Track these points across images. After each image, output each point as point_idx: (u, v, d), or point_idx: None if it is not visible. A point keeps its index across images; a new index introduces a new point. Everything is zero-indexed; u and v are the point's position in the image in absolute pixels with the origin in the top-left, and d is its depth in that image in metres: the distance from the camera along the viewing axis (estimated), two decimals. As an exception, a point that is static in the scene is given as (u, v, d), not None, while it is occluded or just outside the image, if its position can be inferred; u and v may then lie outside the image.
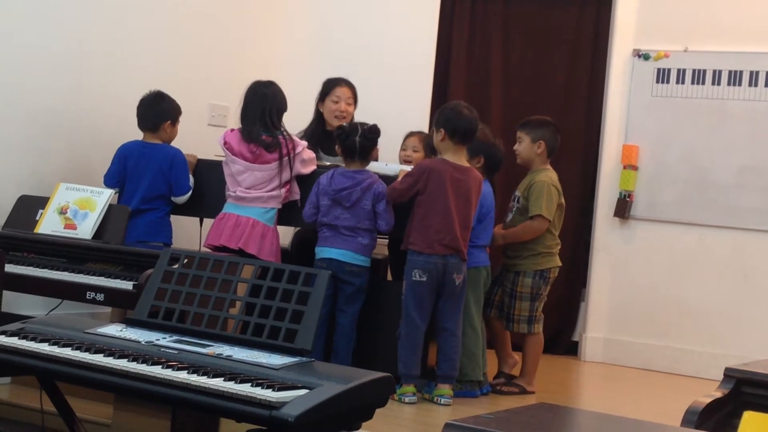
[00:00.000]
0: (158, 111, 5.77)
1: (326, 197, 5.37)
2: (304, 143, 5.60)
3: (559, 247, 5.87)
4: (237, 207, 5.50)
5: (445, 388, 5.28)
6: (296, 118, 6.16)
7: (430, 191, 5.23)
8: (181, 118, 5.91)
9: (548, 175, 5.81)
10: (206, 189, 5.79)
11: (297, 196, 5.59)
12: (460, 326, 5.36)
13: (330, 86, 6.17)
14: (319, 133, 6.09)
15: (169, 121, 5.78)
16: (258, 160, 5.47)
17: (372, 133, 5.41)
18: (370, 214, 5.36)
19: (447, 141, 5.31)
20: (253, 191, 5.48)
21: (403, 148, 6.21)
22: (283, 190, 5.52)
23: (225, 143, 5.54)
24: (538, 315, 5.79)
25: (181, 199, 5.72)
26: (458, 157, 5.34)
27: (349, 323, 5.38)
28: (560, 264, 5.87)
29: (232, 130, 5.59)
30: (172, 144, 5.83)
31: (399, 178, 5.38)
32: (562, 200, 5.84)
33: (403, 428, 4.79)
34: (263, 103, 5.50)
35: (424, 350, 5.34)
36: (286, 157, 5.46)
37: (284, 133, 5.54)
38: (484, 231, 5.59)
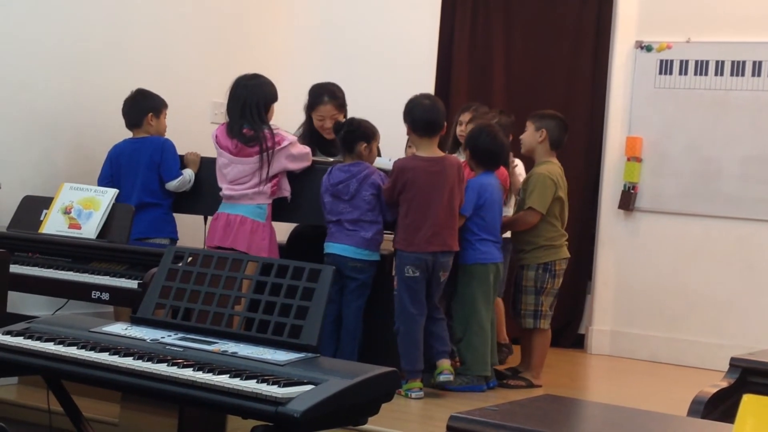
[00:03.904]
0: (139, 106, 5.83)
1: (327, 194, 5.39)
2: (293, 138, 5.57)
3: (565, 239, 5.86)
4: (227, 206, 5.51)
5: (444, 363, 5.30)
6: (300, 116, 6.17)
7: (407, 190, 5.27)
8: (183, 116, 5.91)
9: (547, 168, 5.80)
10: (209, 187, 5.79)
11: (287, 193, 5.56)
12: (442, 310, 5.40)
13: (314, 102, 6.01)
14: (316, 137, 6.05)
15: (150, 114, 5.82)
16: (240, 153, 5.46)
17: (348, 126, 5.44)
18: (373, 205, 5.37)
19: (412, 135, 5.39)
20: (238, 186, 5.46)
21: (458, 122, 6.22)
22: (269, 186, 5.49)
23: (216, 137, 5.56)
24: (544, 310, 5.76)
25: (173, 185, 5.73)
26: (430, 150, 5.37)
27: (354, 319, 5.39)
28: (567, 256, 5.86)
29: (223, 124, 5.59)
30: (169, 138, 5.86)
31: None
32: (561, 193, 5.81)
33: (409, 422, 4.79)
34: (244, 97, 5.47)
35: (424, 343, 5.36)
36: (267, 152, 5.42)
37: (268, 126, 5.49)
38: (489, 223, 5.54)
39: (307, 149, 5.59)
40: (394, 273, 5.38)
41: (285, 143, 5.48)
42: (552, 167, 5.83)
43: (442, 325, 5.38)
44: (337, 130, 5.53)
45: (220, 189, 5.53)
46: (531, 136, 5.88)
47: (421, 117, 5.34)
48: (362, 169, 5.37)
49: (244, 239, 5.42)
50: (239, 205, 5.47)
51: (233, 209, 5.48)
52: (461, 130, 6.18)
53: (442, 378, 5.27)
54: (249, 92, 5.48)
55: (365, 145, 5.43)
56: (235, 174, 5.47)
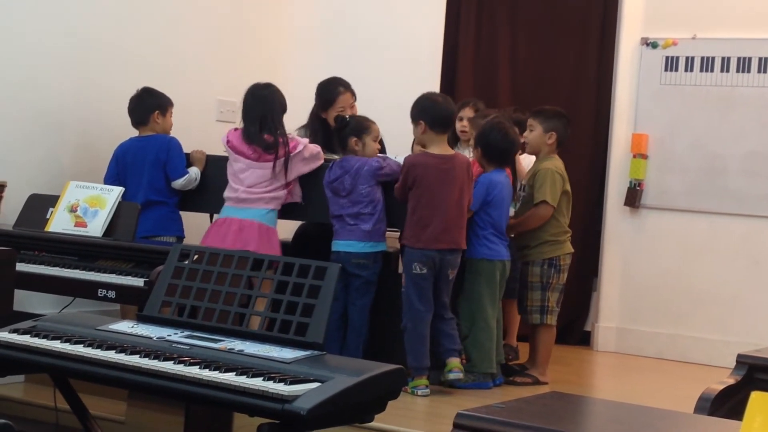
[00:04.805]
0: (146, 104, 5.85)
1: (328, 190, 5.43)
2: (306, 140, 5.60)
3: (569, 235, 5.84)
4: (237, 210, 5.49)
5: (454, 362, 5.29)
6: (303, 114, 6.17)
7: (417, 186, 5.27)
8: (188, 115, 5.91)
9: (554, 163, 5.80)
10: (215, 185, 5.80)
11: (299, 199, 5.59)
12: (449, 307, 5.37)
13: (331, 97, 6.05)
14: (327, 136, 6.05)
15: (156, 111, 5.84)
16: (260, 159, 5.48)
17: (338, 124, 5.58)
18: (371, 197, 5.38)
19: (429, 132, 5.36)
20: (256, 189, 5.47)
21: (458, 118, 6.21)
22: (285, 192, 5.52)
23: (228, 141, 5.55)
24: (550, 306, 5.75)
25: (179, 183, 5.75)
26: (441, 147, 5.39)
27: (359, 316, 5.40)
28: (571, 251, 5.84)
29: (236, 129, 5.60)
30: (174, 136, 5.87)
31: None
32: (568, 187, 5.81)
33: (415, 420, 4.79)
34: (263, 106, 5.51)
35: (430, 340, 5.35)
36: (285, 157, 5.44)
37: (285, 133, 5.54)
38: (496, 221, 5.53)
39: (318, 148, 5.62)
40: (401, 270, 5.37)
41: (300, 147, 5.51)
42: (558, 162, 5.83)
43: (452, 323, 5.37)
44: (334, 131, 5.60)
45: (232, 193, 5.51)
46: (540, 137, 5.85)
47: (439, 114, 5.35)
48: (353, 164, 5.40)
49: (264, 246, 5.38)
50: (251, 209, 5.46)
51: (244, 213, 5.46)
52: (462, 125, 6.20)
53: (452, 376, 5.27)
54: (266, 102, 5.52)
55: (355, 139, 5.47)
56: (254, 179, 5.48)
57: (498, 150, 5.58)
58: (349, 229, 5.38)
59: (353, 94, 6.11)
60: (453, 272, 5.33)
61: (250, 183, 5.49)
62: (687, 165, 7.00)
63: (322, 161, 5.60)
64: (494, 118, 5.72)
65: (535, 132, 5.87)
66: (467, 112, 6.23)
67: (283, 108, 5.59)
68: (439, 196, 5.25)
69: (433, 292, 5.31)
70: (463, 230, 5.35)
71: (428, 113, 5.35)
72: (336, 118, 5.68)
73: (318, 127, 6.10)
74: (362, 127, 5.50)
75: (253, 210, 5.47)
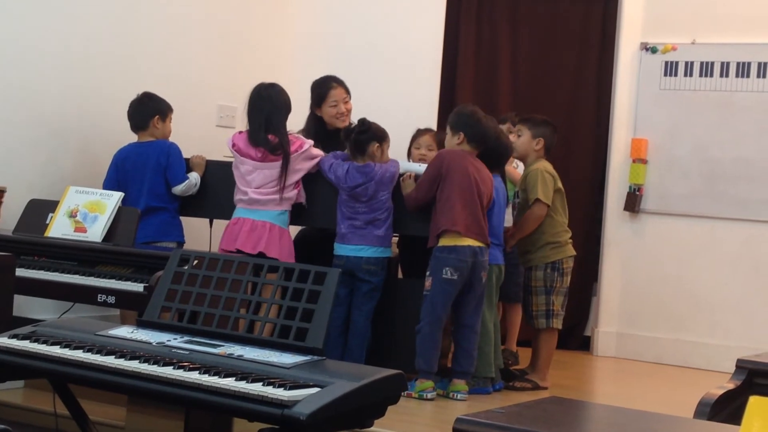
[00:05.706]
0: (146, 109, 5.85)
1: (344, 192, 5.42)
2: (311, 142, 5.61)
3: (569, 235, 5.83)
4: (249, 211, 5.49)
5: (461, 384, 5.28)
6: (304, 117, 6.17)
7: (452, 174, 5.25)
8: (188, 120, 5.90)
9: (542, 164, 5.81)
10: (215, 190, 5.80)
11: (303, 199, 5.59)
12: (479, 322, 5.36)
13: (323, 91, 6.05)
14: (322, 135, 6.07)
15: (156, 116, 5.84)
16: (266, 159, 5.48)
17: (360, 126, 5.49)
18: (389, 203, 5.42)
19: (465, 144, 5.35)
20: (264, 190, 5.47)
21: (416, 147, 6.22)
22: (295, 191, 5.53)
23: (233, 145, 5.55)
24: (556, 309, 5.74)
25: (179, 189, 5.75)
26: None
27: (363, 321, 5.40)
28: (573, 254, 5.83)
29: (240, 132, 5.61)
30: (174, 141, 5.87)
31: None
32: (560, 185, 5.80)
33: (415, 425, 4.78)
34: (268, 106, 5.51)
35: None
36: (293, 154, 5.46)
37: (289, 133, 5.55)
38: (493, 226, 5.52)
39: (321, 152, 5.63)
40: (428, 273, 5.31)
41: (306, 146, 5.52)
42: (546, 164, 5.84)
43: (474, 340, 5.32)
44: (347, 134, 5.55)
45: (242, 195, 5.52)
46: (528, 143, 5.87)
47: (481, 132, 5.39)
48: (377, 171, 5.41)
49: (275, 246, 5.42)
50: (265, 210, 5.46)
51: (257, 215, 5.46)
52: (420, 154, 6.19)
53: (458, 397, 5.25)
54: (271, 102, 5.52)
55: (377, 145, 5.46)
56: (262, 179, 5.48)
57: (492, 155, 5.59)
58: (360, 234, 5.37)
59: (347, 90, 6.09)
60: (485, 274, 5.31)
61: (258, 184, 5.49)
62: (687, 170, 7.01)
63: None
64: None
65: (523, 137, 5.89)
66: (427, 140, 6.23)
67: (287, 108, 5.60)
68: (474, 187, 5.25)
69: (464, 298, 5.28)
70: (485, 229, 5.35)
71: (471, 128, 5.38)
72: (359, 121, 5.63)
73: (311, 125, 6.11)
74: (383, 133, 5.51)
75: (265, 212, 5.47)
